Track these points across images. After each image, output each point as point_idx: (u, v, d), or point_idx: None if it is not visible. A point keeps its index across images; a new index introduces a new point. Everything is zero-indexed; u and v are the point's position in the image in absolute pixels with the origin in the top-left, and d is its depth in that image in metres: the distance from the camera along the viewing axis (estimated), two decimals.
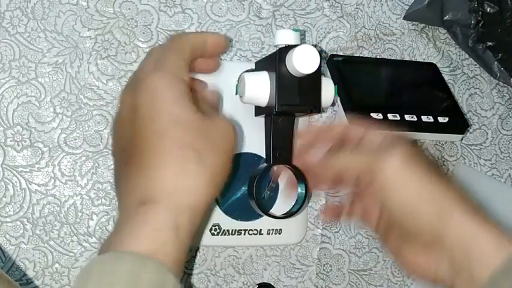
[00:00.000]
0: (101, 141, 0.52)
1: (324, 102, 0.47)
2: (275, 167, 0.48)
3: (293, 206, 0.49)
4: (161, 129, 0.37)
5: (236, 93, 0.50)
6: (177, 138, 0.37)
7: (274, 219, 0.49)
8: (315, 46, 0.57)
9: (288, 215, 0.49)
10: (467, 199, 0.41)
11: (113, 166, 0.51)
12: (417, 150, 0.44)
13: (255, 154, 0.51)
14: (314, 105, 0.46)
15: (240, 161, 0.51)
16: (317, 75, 0.44)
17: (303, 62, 0.43)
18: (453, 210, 0.40)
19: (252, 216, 0.52)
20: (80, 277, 0.33)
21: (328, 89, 0.47)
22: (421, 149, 0.45)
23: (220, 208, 0.51)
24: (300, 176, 0.48)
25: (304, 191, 0.48)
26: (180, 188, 0.36)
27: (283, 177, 0.51)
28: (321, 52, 0.44)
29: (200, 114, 0.38)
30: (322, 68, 0.45)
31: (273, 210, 0.51)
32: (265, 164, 0.47)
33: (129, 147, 0.38)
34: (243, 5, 0.55)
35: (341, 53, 0.58)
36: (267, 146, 0.48)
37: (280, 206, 0.52)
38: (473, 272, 0.38)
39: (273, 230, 0.53)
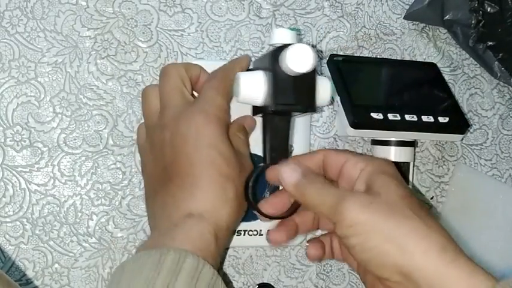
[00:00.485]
0: (101, 141, 0.51)
1: (321, 101, 0.46)
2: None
3: (288, 208, 0.48)
4: (208, 159, 0.44)
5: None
6: (220, 169, 0.44)
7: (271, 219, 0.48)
8: (315, 46, 0.57)
9: (282, 216, 0.48)
10: (435, 235, 0.38)
11: (112, 166, 0.52)
12: (388, 183, 0.41)
13: (255, 154, 0.51)
14: (309, 104, 0.45)
15: None
16: (312, 74, 0.44)
17: (297, 60, 0.42)
18: (416, 248, 0.37)
19: (251, 216, 0.51)
20: (132, 265, 0.39)
21: (324, 88, 0.47)
22: (393, 181, 0.42)
23: None
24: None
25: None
26: (220, 211, 0.43)
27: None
28: (317, 51, 0.44)
29: (235, 151, 0.46)
30: (318, 67, 0.44)
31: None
32: (261, 164, 0.47)
33: (171, 168, 0.44)
34: (243, 4, 0.55)
35: (341, 53, 0.58)
36: (263, 146, 0.48)
37: None
38: None
39: None
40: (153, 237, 0.44)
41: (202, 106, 0.45)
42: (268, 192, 0.52)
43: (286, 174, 0.44)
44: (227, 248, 0.54)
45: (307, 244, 0.48)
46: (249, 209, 0.50)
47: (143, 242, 0.44)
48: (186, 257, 0.38)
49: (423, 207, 0.40)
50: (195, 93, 0.50)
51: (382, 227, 0.38)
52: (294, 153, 0.52)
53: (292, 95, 0.44)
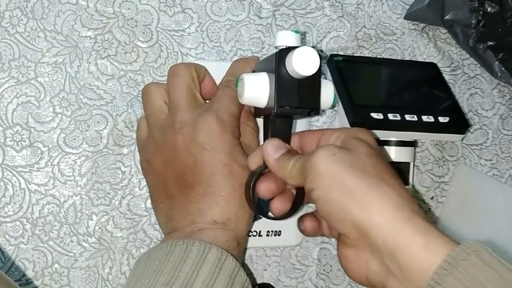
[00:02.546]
0: (101, 141, 0.51)
1: (324, 104, 0.47)
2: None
3: (290, 208, 0.48)
4: (228, 169, 0.45)
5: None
6: (239, 178, 0.45)
7: (273, 220, 0.48)
8: (314, 47, 0.57)
9: (287, 215, 0.48)
10: (393, 193, 0.38)
11: (112, 166, 0.51)
12: (357, 143, 0.41)
13: None
14: (313, 107, 0.45)
15: None
16: (317, 77, 0.44)
17: (303, 63, 0.43)
18: (374, 204, 0.37)
19: None
20: (159, 252, 0.41)
21: (327, 91, 0.47)
22: (362, 143, 0.42)
23: None
24: None
25: (301, 192, 0.47)
26: (241, 219, 0.45)
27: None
28: (320, 54, 0.44)
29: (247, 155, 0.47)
30: (321, 70, 0.44)
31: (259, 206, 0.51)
32: (262, 165, 0.47)
33: (191, 175, 0.45)
34: (243, 4, 0.55)
35: (341, 53, 0.58)
36: None
37: None
38: (403, 276, 0.36)
39: (272, 231, 0.53)
40: (177, 236, 0.44)
41: (219, 115, 0.46)
42: None
43: (269, 150, 0.44)
44: None
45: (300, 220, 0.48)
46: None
47: (160, 241, 0.46)
48: (210, 248, 0.40)
49: (389, 168, 0.41)
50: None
51: (343, 180, 0.38)
52: None
53: (296, 98, 0.44)
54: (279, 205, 0.47)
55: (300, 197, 0.47)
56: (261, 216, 0.49)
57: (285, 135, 0.47)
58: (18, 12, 0.50)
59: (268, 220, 0.48)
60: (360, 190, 0.38)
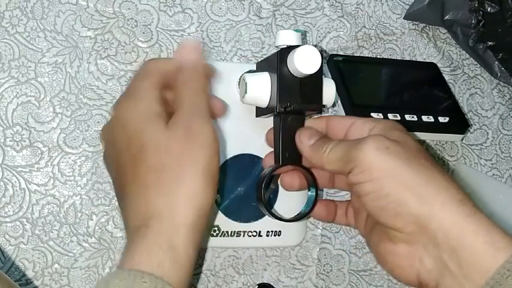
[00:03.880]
0: (101, 141, 0.51)
1: (325, 101, 0.47)
2: (283, 169, 0.47)
3: (304, 207, 0.48)
4: (137, 157, 0.38)
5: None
6: (154, 162, 0.37)
7: (280, 221, 0.48)
8: (315, 46, 0.57)
9: (300, 216, 0.48)
10: (453, 188, 0.37)
11: None
12: (403, 136, 0.40)
13: (255, 155, 0.51)
14: (315, 106, 0.45)
15: (239, 162, 0.51)
16: (318, 75, 0.44)
17: (305, 62, 0.43)
18: (435, 198, 0.36)
19: (251, 217, 0.52)
20: None
21: (329, 90, 0.47)
22: (407, 136, 0.40)
23: (220, 209, 0.51)
24: (310, 177, 0.47)
25: (314, 192, 0.47)
26: (167, 209, 0.37)
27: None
28: (322, 52, 0.44)
29: (169, 132, 0.38)
30: (323, 68, 0.45)
31: (274, 209, 0.51)
32: (273, 165, 0.47)
33: (116, 176, 0.41)
34: (243, 4, 0.55)
35: (341, 53, 0.58)
36: (276, 146, 0.47)
37: (280, 207, 0.51)
38: (462, 273, 0.35)
39: (272, 231, 0.53)
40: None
41: (121, 95, 0.42)
42: (269, 194, 0.52)
43: (302, 138, 0.43)
44: (226, 249, 0.54)
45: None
46: (249, 209, 0.50)
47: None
48: (139, 285, 0.34)
49: (439, 163, 0.39)
50: None
51: (400, 174, 0.36)
52: None
53: (298, 96, 0.44)
54: (288, 179, 0.46)
55: (317, 197, 0.47)
56: (271, 217, 0.49)
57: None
58: (18, 12, 0.50)
59: (268, 220, 0.48)
60: (420, 184, 0.36)
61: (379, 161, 0.37)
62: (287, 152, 0.46)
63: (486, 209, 0.57)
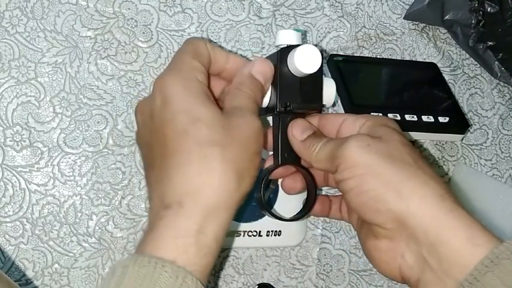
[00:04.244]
0: (101, 141, 0.51)
1: (326, 101, 0.47)
2: (281, 169, 0.47)
3: (303, 207, 0.48)
4: (180, 129, 0.36)
5: None
6: (198, 135, 0.36)
7: (279, 220, 0.48)
8: (316, 45, 0.57)
9: (299, 216, 0.48)
10: (434, 183, 0.36)
11: (112, 166, 0.52)
12: (389, 133, 0.40)
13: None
14: (316, 105, 0.45)
15: None
16: (319, 74, 0.44)
17: (305, 61, 0.43)
18: (414, 194, 0.36)
19: (251, 217, 0.52)
20: (106, 276, 0.34)
21: (329, 89, 0.47)
22: (393, 132, 0.40)
23: None
24: (309, 176, 0.47)
25: (313, 193, 0.47)
26: (203, 188, 0.35)
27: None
28: (322, 52, 0.44)
29: (220, 113, 0.38)
30: (323, 68, 0.44)
31: (274, 209, 0.51)
32: (272, 165, 0.47)
33: (150, 153, 0.39)
34: (243, 4, 0.55)
35: (341, 53, 0.58)
36: (275, 146, 0.47)
37: (280, 207, 0.51)
38: (442, 269, 0.35)
39: (272, 231, 0.53)
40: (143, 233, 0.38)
41: (169, 68, 0.40)
42: (268, 194, 0.52)
43: (294, 131, 0.43)
44: (226, 249, 0.54)
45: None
46: (249, 209, 0.50)
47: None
48: (159, 274, 0.33)
49: (424, 158, 0.39)
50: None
51: (380, 170, 0.37)
52: None
53: (299, 96, 0.44)
54: (289, 182, 0.46)
55: (316, 196, 0.47)
56: (270, 217, 0.48)
57: None
58: (18, 12, 0.50)
59: (269, 220, 0.48)
60: (399, 180, 0.36)
61: (361, 159, 0.37)
62: (286, 152, 0.46)
63: (486, 209, 0.57)
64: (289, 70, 0.44)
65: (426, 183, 0.37)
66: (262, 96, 0.43)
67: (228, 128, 0.37)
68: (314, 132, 0.43)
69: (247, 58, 0.55)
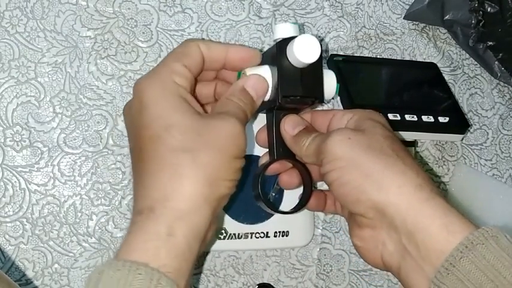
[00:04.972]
0: (101, 141, 0.51)
1: (327, 93, 0.46)
2: (277, 164, 0.47)
3: (299, 200, 0.48)
4: (154, 134, 0.37)
5: None
6: (170, 142, 0.36)
7: (282, 216, 0.48)
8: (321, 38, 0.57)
9: (295, 209, 0.48)
10: (412, 173, 0.38)
11: (112, 166, 0.52)
12: (372, 125, 0.41)
13: (259, 156, 0.51)
14: (317, 95, 0.45)
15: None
16: (318, 64, 0.44)
17: (305, 51, 0.42)
18: (392, 183, 0.37)
19: (258, 219, 0.51)
20: (84, 284, 0.34)
21: (330, 80, 0.47)
22: (377, 125, 0.41)
23: (226, 212, 0.51)
24: (304, 171, 0.47)
25: (309, 185, 0.47)
26: (174, 194, 0.36)
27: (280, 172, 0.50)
28: (321, 41, 0.44)
29: (197, 116, 0.38)
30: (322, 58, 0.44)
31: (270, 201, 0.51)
32: (268, 160, 0.47)
33: (132, 157, 0.39)
34: (243, 4, 0.55)
35: (341, 53, 0.58)
36: (270, 142, 0.47)
37: (286, 207, 0.51)
38: (420, 256, 0.36)
39: (280, 232, 0.53)
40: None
41: (149, 72, 0.41)
42: (273, 194, 0.52)
43: (286, 126, 0.44)
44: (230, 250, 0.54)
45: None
46: (255, 211, 0.50)
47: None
48: (133, 277, 0.33)
49: (405, 149, 0.40)
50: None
51: (360, 162, 0.38)
52: None
53: (300, 87, 0.44)
54: (286, 177, 0.47)
55: (312, 189, 0.47)
56: (270, 211, 0.49)
57: None
58: (18, 12, 0.50)
59: (276, 220, 0.48)
60: (377, 170, 0.38)
61: (341, 151, 0.39)
62: (281, 147, 0.46)
63: (486, 209, 0.57)
64: (289, 61, 0.44)
65: (404, 173, 0.38)
66: (252, 111, 0.42)
67: (203, 132, 0.37)
68: (305, 127, 0.45)
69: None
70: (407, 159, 0.39)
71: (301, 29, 0.56)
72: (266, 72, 0.45)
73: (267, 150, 0.48)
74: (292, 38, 0.43)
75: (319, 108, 0.55)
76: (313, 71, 0.44)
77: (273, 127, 0.46)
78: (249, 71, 0.46)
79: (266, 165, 0.46)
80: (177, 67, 0.40)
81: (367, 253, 0.40)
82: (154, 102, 0.38)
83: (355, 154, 0.39)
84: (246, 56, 0.44)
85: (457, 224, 0.36)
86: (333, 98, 0.50)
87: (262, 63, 0.47)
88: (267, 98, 0.46)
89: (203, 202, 0.36)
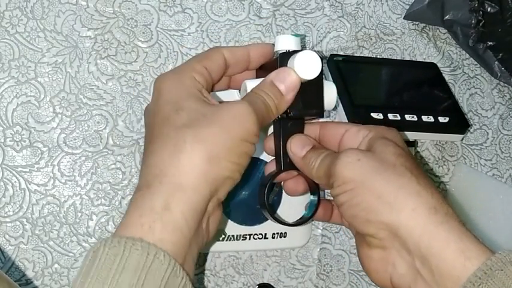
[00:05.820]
0: (101, 141, 0.51)
1: (327, 105, 0.47)
2: (284, 174, 0.47)
3: (307, 211, 0.48)
4: (164, 116, 0.38)
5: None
6: (177, 121, 0.37)
7: (289, 226, 0.48)
8: (314, 50, 0.57)
9: (303, 221, 0.48)
10: (427, 194, 0.37)
11: (112, 166, 0.52)
12: (383, 144, 0.40)
13: (258, 158, 0.51)
14: (317, 110, 0.45)
15: None
16: (319, 80, 0.44)
17: (305, 67, 0.43)
18: (405, 205, 0.36)
19: (256, 220, 0.52)
20: (82, 262, 0.35)
21: (330, 93, 0.47)
22: (389, 143, 0.40)
23: (224, 213, 0.51)
24: (312, 181, 0.47)
25: (316, 197, 0.47)
26: (170, 168, 0.35)
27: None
28: (322, 57, 0.44)
29: (209, 104, 0.39)
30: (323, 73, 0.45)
31: (277, 213, 0.51)
32: (274, 171, 0.47)
33: (144, 144, 0.40)
34: (243, 4, 0.55)
35: (341, 53, 0.58)
36: (277, 152, 0.47)
37: (285, 209, 0.51)
38: (434, 281, 0.35)
39: (278, 233, 0.53)
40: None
41: (172, 71, 0.42)
42: (272, 196, 0.52)
43: (293, 148, 0.44)
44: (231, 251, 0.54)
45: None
46: (254, 212, 0.50)
47: None
48: (130, 251, 0.33)
49: (419, 167, 0.39)
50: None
51: (370, 184, 0.37)
52: None
53: (300, 101, 0.44)
54: (292, 185, 0.46)
55: (319, 202, 0.47)
56: (275, 222, 0.48)
57: None
58: (18, 12, 0.50)
59: (274, 222, 0.48)
60: (390, 191, 0.37)
61: (351, 173, 0.38)
62: (288, 158, 0.46)
63: (486, 209, 0.57)
64: None
65: (418, 194, 0.37)
66: (280, 105, 0.42)
67: (210, 113, 0.37)
68: (313, 146, 0.44)
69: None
70: (421, 177, 0.38)
71: (303, 41, 0.56)
72: None
73: (259, 151, 0.48)
74: (294, 52, 0.43)
75: (329, 119, 0.55)
76: (314, 86, 0.45)
77: (280, 136, 0.46)
78: (250, 84, 0.46)
79: (273, 176, 0.46)
80: (198, 67, 0.41)
81: (375, 274, 0.39)
82: (168, 91, 0.39)
83: (365, 176, 0.38)
84: (265, 51, 0.45)
85: (473, 249, 0.35)
86: (333, 110, 0.50)
87: (263, 75, 0.47)
88: None
89: (201, 179, 0.36)
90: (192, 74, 0.40)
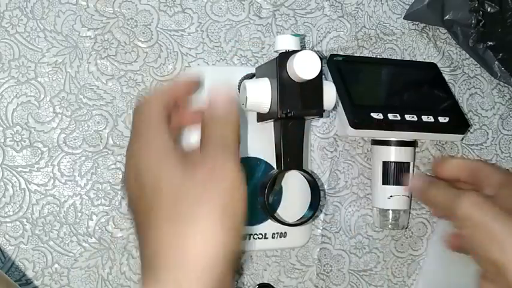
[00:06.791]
0: (101, 141, 0.51)
1: (326, 105, 0.47)
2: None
3: (307, 211, 0.48)
4: (153, 204, 0.35)
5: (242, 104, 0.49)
6: (170, 212, 0.35)
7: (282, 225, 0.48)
8: (314, 49, 0.57)
9: (303, 221, 0.48)
10: None
11: (112, 166, 0.52)
12: (505, 192, 0.47)
13: (258, 158, 0.51)
14: (316, 110, 0.45)
15: (242, 166, 0.51)
16: (318, 80, 0.44)
17: (304, 67, 0.43)
18: None
19: (256, 220, 0.52)
20: None
21: (329, 93, 0.47)
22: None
23: None
24: (312, 182, 0.47)
25: (317, 198, 0.47)
26: (178, 257, 0.34)
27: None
28: (321, 57, 0.44)
29: (189, 176, 0.36)
30: (323, 73, 0.45)
31: (277, 213, 0.51)
32: (276, 170, 0.47)
33: (135, 220, 0.38)
34: (243, 4, 0.55)
35: (341, 53, 0.58)
36: (278, 152, 0.47)
37: (285, 208, 0.51)
38: None
39: (278, 233, 0.53)
40: None
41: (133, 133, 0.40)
42: (272, 196, 0.52)
43: (414, 181, 0.52)
44: None
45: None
46: (253, 212, 0.50)
47: None
48: None
49: None
50: None
51: (487, 225, 0.43)
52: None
53: (299, 101, 0.44)
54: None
55: (316, 200, 0.47)
56: (275, 222, 0.49)
57: (298, 138, 0.47)
58: (18, 12, 0.50)
59: (274, 222, 0.48)
60: (502, 235, 0.42)
61: (471, 214, 0.44)
62: (289, 157, 0.46)
63: None
64: (289, 76, 0.44)
65: None
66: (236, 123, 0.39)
67: (196, 190, 0.35)
68: (428, 179, 0.50)
69: (247, 58, 0.55)
70: None
71: (302, 41, 0.56)
72: (266, 85, 0.45)
73: (259, 151, 0.47)
74: (293, 52, 0.43)
75: (329, 119, 0.55)
76: (313, 86, 0.45)
77: (280, 136, 0.46)
78: (249, 84, 0.46)
79: (274, 176, 0.46)
80: (153, 122, 0.38)
81: None
82: (142, 170, 0.37)
83: (485, 217, 0.43)
84: (191, 85, 0.43)
85: None
86: (333, 109, 0.50)
87: (262, 75, 0.47)
88: (266, 110, 0.46)
89: (209, 258, 0.34)
90: (159, 129, 0.38)
